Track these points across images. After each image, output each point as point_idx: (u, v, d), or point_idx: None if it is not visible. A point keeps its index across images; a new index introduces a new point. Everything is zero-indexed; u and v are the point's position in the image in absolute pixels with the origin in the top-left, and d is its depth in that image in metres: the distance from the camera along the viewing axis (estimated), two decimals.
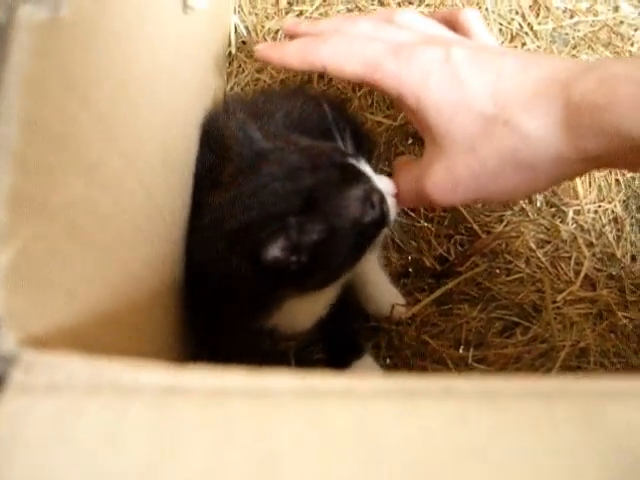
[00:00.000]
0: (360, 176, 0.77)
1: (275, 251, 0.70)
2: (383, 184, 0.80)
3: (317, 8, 1.15)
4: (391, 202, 0.80)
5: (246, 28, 1.14)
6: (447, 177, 0.72)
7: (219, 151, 0.82)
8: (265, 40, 1.13)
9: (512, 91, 0.69)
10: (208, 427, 0.32)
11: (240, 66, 1.14)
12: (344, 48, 0.78)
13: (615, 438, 0.32)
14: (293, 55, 0.81)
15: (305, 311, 0.84)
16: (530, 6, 1.16)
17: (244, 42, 1.15)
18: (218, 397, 0.34)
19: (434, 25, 0.82)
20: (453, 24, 0.83)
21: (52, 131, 0.42)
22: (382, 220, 0.79)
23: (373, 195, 0.77)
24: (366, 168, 0.80)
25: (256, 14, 1.15)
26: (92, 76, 0.47)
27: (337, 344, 0.98)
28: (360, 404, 0.34)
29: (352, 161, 0.78)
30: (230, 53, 1.14)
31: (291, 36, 0.91)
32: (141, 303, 0.61)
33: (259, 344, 0.90)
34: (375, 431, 0.32)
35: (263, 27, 1.14)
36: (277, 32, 1.14)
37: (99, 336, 0.50)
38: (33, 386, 0.34)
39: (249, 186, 0.74)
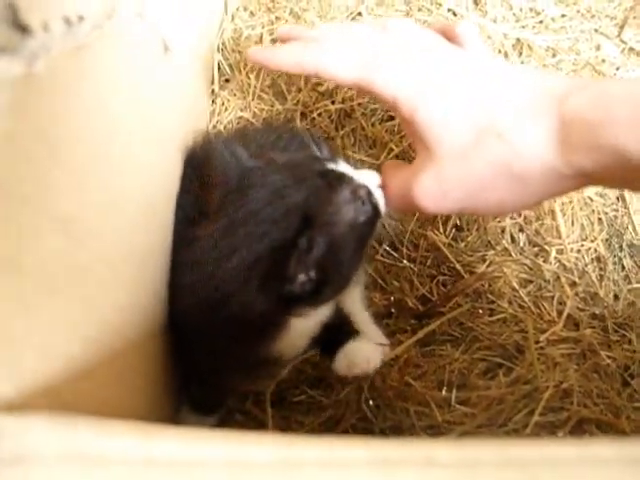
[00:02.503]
0: (342, 178, 0.77)
1: (300, 274, 0.71)
2: (366, 177, 0.80)
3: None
4: (378, 193, 0.80)
5: (229, 66, 1.14)
6: (436, 184, 0.72)
7: (203, 180, 0.81)
8: (248, 78, 1.13)
9: (507, 103, 0.69)
10: None
11: (223, 104, 1.13)
12: (339, 52, 0.78)
13: None
14: (286, 58, 0.81)
15: (305, 329, 0.83)
16: (513, 45, 1.16)
17: (227, 80, 1.15)
18: (195, 469, 0.33)
19: (431, 34, 0.81)
20: (449, 36, 0.82)
21: (25, 189, 0.41)
22: (375, 213, 0.79)
23: (360, 192, 0.77)
24: (345, 168, 0.79)
25: (239, 52, 1.15)
26: (66, 129, 0.47)
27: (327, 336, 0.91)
28: (339, 475, 0.33)
29: (330, 165, 0.78)
30: (213, 91, 1.14)
31: (284, 41, 0.90)
32: (120, 354, 0.60)
33: (246, 379, 0.89)
34: None
35: (246, 65, 1.14)
36: (260, 69, 1.14)
37: (76, 391, 0.49)
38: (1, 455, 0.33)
39: (241, 214, 0.73)
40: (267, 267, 0.71)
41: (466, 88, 0.71)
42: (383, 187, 0.80)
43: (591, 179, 0.67)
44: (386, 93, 0.74)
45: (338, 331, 0.92)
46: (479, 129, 0.69)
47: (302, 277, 0.71)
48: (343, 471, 0.33)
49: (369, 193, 0.78)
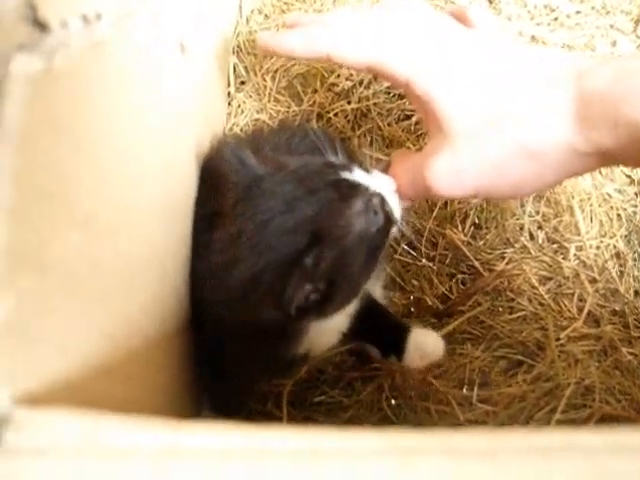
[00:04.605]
0: (356, 188, 0.75)
1: (300, 297, 0.69)
2: (381, 183, 0.78)
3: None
4: (393, 200, 0.78)
5: (245, 68, 1.15)
6: (450, 167, 0.71)
7: (216, 185, 0.80)
8: (264, 81, 1.13)
9: (524, 82, 0.69)
10: None
11: (239, 106, 1.13)
12: (349, 34, 0.76)
13: None
14: (296, 42, 0.79)
15: (330, 329, 0.84)
16: (528, 42, 1.16)
17: (243, 82, 1.15)
18: (218, 458, 0.33)
19: (443, 16, 0.79)
20: (461, 20, 0.79)
21: (45, 184, 0.41)
22: (388, 222, 0.77)
23: (373, 202, 0.75)
24: (359, 175, 0.77)
25: (255, 54, 1.15)
26: (86, 125, 0.47)
27: (380, 335, 0.96)
28: (355, 464, 0.33)
29: (344, 174, 0.76)
30: (229, 93, 1.14)
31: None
32: (141, 352, 0.60)
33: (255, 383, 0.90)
34: None
35: (262, 67, 1.14)
36: (276, 71, 1.14)
37: (97, 388, 0.49)
38: (23, 448, 0.33)
39: (251, 223, 0.72)
40: (271, 281, 0.70)
41: (481, 68, 0.71)
42: (392, 176, 0.79)
43: (609, 157, 0.66)
44: (399, 74, 0.73)
45: (391, 334, 0.95)
46: (496, 110, 0.68)
47: (306, 290, 0.70)
48: (362, 460, 0.33)
49: (382, 202, 0.76)
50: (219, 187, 0.78)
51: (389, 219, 0.77)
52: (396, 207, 0.78)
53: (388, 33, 0.75)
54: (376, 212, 0.75)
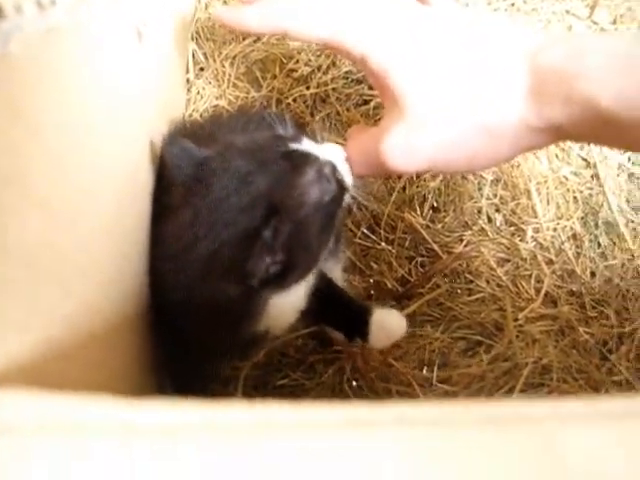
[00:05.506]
0: (307, 157, 0.76)
1: (261, 269, 0.70)
2: (331, 152, 0.79)
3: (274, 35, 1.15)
4: (343, 168, 0.79)
5: (204, 55, 1.14)
6: (405, 142, 0.71)
7: (163, 178, 0.81)
8: (223, 67, 1.13)
9: (478, 58, 0.69)
10: (165, 466, 0.32)
11: (199, 93, 1.13)
12: (307, 10, 0.76)
13: (572, 466, 0.32)
14: (252, 18, 0.78)
15: (288, 305, 0.84)
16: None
17: (202, 69, 1.15)
18: (175, 433, 0.33)
19: None
20: None
21: (2, 167, 0.41)
22: (340, 190, 0.78)
23: (325, 170, 0.76)
24: (309, 145, 0.79)
25: (214, 40, 1.15)
26: (41, 110, 0.47)
27: (343, 320, 0.96)
28: (310, 437, 0.33)
29: (294, 145, 0.77)
30: (188, 80, 1.14)
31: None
32: (102, 337, 0.60)
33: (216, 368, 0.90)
34: (321, 465, 0.32)
35: (221, 53, 1.14)
36: (235, 57, 1.14)
37: (57, 370, 0.49)
38: None
39: (206, 202, 0.73)
40: (231, 256, 0.71)
41: (440, 47, 0.71)
42: (347, 152, 0.79)
43: (562, 133, 0.67)
44: (354, 48, 0.74)
45: (353, 317, 0.95)
46: (451, 85, 0.69)
47: (266, 263, 0.71)
48: (316, 432, 0.34)
49: (334, 169, 0.77)
50: (166, 180, 0.79)
51: (341, 186, 0.78)
52: (347, 174, 0.79)
53: (344, 8, 0.75)
54: (328, 180, 0.76)
